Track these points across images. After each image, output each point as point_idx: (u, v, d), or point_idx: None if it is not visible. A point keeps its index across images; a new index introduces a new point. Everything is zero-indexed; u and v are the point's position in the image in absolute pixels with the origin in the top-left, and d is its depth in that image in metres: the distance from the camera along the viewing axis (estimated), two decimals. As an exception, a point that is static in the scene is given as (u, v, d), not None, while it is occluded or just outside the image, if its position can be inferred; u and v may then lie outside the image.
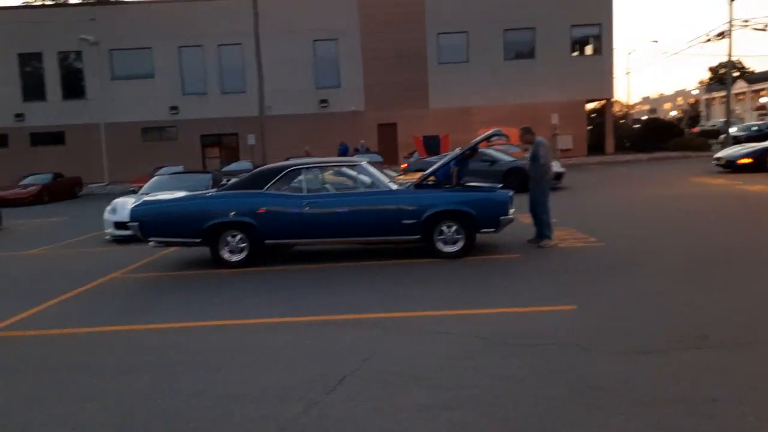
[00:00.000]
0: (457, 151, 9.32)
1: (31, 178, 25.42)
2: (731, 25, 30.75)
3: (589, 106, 37.12)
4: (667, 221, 10.49)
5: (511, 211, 8.15)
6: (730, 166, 19.03)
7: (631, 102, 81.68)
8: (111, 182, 31.45)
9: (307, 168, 8.48)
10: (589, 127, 35.06)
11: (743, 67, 71.33)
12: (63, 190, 25.80)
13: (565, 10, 31.55)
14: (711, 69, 77.94)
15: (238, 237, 8.23)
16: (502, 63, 32.17)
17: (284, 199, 8.21)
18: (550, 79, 31.39)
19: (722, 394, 3.60)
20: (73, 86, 32.97)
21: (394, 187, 8.34)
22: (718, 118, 55.75)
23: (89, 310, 6.56)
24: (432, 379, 4.07)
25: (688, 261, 7.29)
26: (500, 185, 8.90)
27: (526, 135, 8.95)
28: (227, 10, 31.03)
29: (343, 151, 24.44)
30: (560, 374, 4.03)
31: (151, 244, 8.68)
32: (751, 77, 68.02)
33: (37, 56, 32.82)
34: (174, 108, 32.54)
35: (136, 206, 8.60)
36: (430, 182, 8.83)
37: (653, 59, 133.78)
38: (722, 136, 33.26)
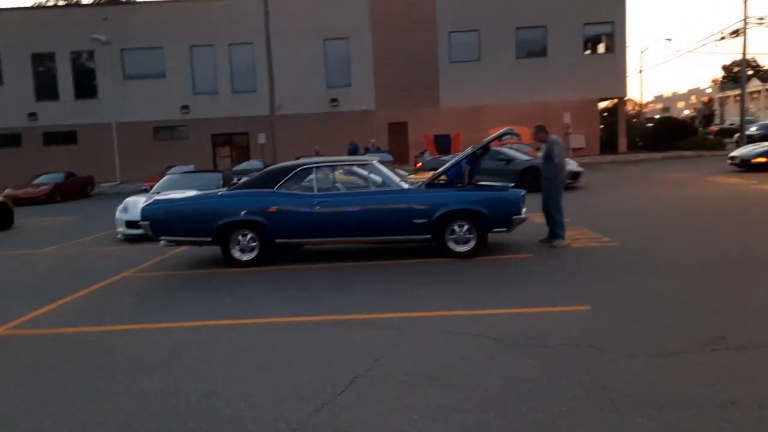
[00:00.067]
0: (469, 149, 9.26)
1: (43, 177, 25.61)
2: (746, 23, 30.50)
3: (602, 104, 36.86)
4: (681, 221, 10.38)
5: (524, 210, 8.09)
6: (745, 166, 18.86)
7: (644, 101, 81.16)
8: (123, 181, 31.68)
9: (318, 167, 8.44)
10: (601, 126, 34.82)
11: (758, 65, 70.75)
12: (75, 189, 25.96)
13: (577, 8, 31.36)
14: (725, 67, 77.40)
15: (249, 236, 8.22)
16: (513, 61, 32.00)
17: (295, 198, 8.19)
18: (562, 77, 31.19)
19: (741, 397, 3.53)
20: (86, 86, 33.21)
21: (406, 186, 8.30)
22: (732, 117, 55.28)
23: (100, 309, 6.57)
24: (444, 380, 4.02)
25: (704, 261, 7.19)
26: (512, 184, 8.83)
27: (540, 133, 8.87)
28: (238, 9, 31.18)
29: (354, 151, 24.41)
30: (574, 375, 3.97)
31: (162, 243, 8.70)
32: (765, 76, 67.47)
33: (50, 56, 33.10)
34: (185, 107, 32.68)
35: (147, 205, 8.62)
36: (441, 181, 8.78)
37: (666, 57, 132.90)
38: (736, 135, 32.96)
